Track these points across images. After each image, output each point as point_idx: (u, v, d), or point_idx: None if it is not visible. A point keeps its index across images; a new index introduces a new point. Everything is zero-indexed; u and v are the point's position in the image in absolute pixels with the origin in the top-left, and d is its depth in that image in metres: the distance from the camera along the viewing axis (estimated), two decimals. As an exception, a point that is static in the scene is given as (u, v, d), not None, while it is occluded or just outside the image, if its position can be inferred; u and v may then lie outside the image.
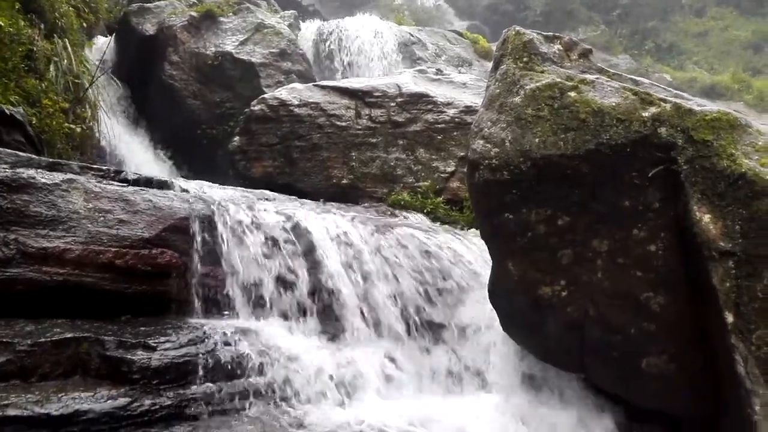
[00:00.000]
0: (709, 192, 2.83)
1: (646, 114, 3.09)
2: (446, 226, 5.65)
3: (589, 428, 3.61)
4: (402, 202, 6.02)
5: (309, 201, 5.36)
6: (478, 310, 4.25)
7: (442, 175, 6.25)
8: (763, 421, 2.53)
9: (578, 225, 3.29)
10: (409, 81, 6.80)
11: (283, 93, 6.57)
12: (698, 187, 2.87)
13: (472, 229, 5.41)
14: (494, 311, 3.94)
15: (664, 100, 3.11)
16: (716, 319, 2.78)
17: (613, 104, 3.17)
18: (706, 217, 2.80)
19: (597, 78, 3.35)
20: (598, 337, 3.32)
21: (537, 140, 3.26)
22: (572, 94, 3.26)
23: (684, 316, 3.07)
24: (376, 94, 6.51)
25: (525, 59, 3.49)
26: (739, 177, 2.76)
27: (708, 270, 2.77)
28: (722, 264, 2.73)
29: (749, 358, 2.62)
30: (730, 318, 2.69)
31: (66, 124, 5.87)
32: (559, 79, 3.34)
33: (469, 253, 4.78)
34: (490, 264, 3.89)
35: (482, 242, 4.19)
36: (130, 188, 3.98)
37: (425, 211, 5.97)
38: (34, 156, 3.94)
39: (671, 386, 3.18)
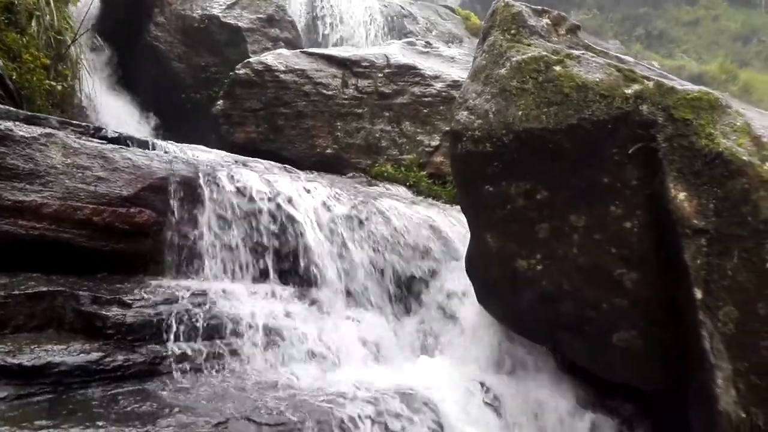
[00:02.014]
0: (686, 170, 2.87)
1: (628, 91, 3.11)
2: (428, 199, 5.68)
3: (557, 402, 3.69)
4: (385, 174, 6.04)
5: (292, 168, 5.33)
6: (454, 283, 4.30)
7: (426, 149, 6.25)
8: (724, 394, 2.60)
9: (557, 199, 3.32)
10: (398, 52, 6.76)
11: (269, 58, 6.50)
12: (675, 165, 2.90)
13: (454, 204, 5.44)
14: (469, 284, 3.99)
15: (648, 78, 3.12)
16: (686, 295, 2.83)
17: (597, 80, 3.18)
18: (682, 195, 2.83)
19: (583, 53, 3.35)
20: (572, 311, 3.37)
21: (520, 113, 3.26)
22: (557, 68, 3.27)
23: (655, 293, 3.12)
24: (364, 64, 6.46)
25: (513, 31, 3.48)
26: (716, 156, 2.79)
27: (680, 247, 2.82)
28: (695, 241, 2.78)
29: (715, 334, 2.68)
30: (699, 294, 2.74)
31: (47, 81, 5.76)
32: (545, 53, 3.33)
33: (448, 227, 4.81)
34: (468, 238, 3.92)
35: (462, 217, 4.22)
36: (110, 146, 3.92)
37: (408, 184, 5.99)
38: (11, 108, 3.87)
39: (641, 361, 3.25)
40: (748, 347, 2.58)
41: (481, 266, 3.78)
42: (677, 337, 3.03)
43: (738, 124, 2.85)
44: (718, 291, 2.70)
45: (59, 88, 6.01)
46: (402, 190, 5.79)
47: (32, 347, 2.87)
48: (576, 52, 3.37)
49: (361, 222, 4.41)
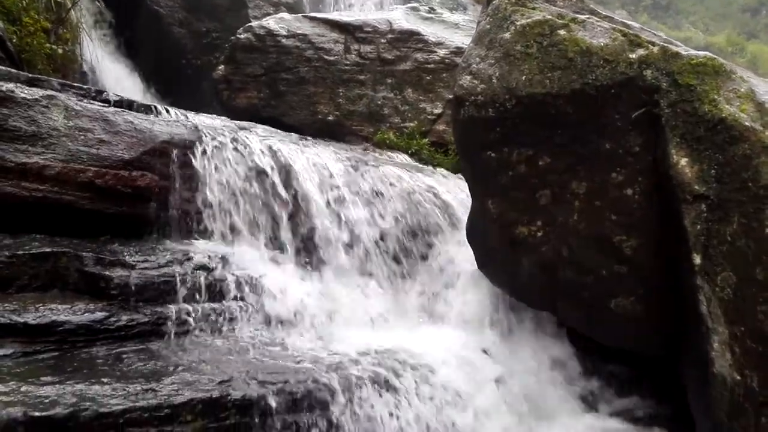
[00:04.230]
0: (688, 136, 2.85)
1: (633, 56, 3.08)
2: (430, 167, 5.66)
3: (554, 367, 3.74)
4: (387, 142, 6.01)
5: (293, 135, 5.33)
6: (454, 250, 4.33)
7: (429, 116, 6.22)
8: (719, 358, 2.63)
9: (558, 166, 3.32)
10: (401, 18, 6.66)
11: (270, 22, 6.42)
12: (678, 131, 2.89)
13: (455, 172, 5.43)
14: (469, 251, 4.01)
15: (653, 43, 3.09)
16: (684, 261, 2.85)
17: (602, 45, 3.15)
18: (683, 161, 2.83)
19: (588, 18, 3.31)
20: (571, 277, 3.39)
21: (524, 78, 3.24)
22: (562, 32, 3.23)
23: (655, 259, 3.14)
24: (367, 29, 6.38)
25: (517, -6, 3.44)
26: (718, 122, 2.78)
27: (681, 213, 2.82)
28: (695, 207, 2.78)
29: (713, 298, 2.70)
30: (697, 260, 2.76)
31: (47, 45, 5.72)
32: (550, 17, 3.30)
33: (449, 195, 4.82)
34: (470, 206, 3.93)
35: (464, 186, 4.23)
36: (111, 109, 3.92)
37: (410, 152, 5.97)
38: (13, 70, 3.86)
39: (638, 326, 3.28)
40: (745, 312, 2.60)
41: (481, 232, 3.79)
42: (675, 302, 3.06)
43: (742, 90, 2.84)
44: (717, 256, 2.71)
45: (60, 52, 5.96)
46: (404, 158, 5.78)
47: (37, 306, 2.91)
48: (581, 17, 3.33)
49: (365, 189, 4.43)
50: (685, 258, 2.83)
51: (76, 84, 4.23)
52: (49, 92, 3.74)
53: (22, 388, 2.40)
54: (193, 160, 3.93)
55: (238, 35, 6.50)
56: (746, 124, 2.70)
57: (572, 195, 3.32)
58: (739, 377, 2.57)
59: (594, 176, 3.25)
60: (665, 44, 3.12)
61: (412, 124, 6.14)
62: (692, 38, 17.16)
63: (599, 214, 3.26)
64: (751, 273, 2.62)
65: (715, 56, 3.00)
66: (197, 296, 3.39)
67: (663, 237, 3.08)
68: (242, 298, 3.50)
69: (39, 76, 4.04)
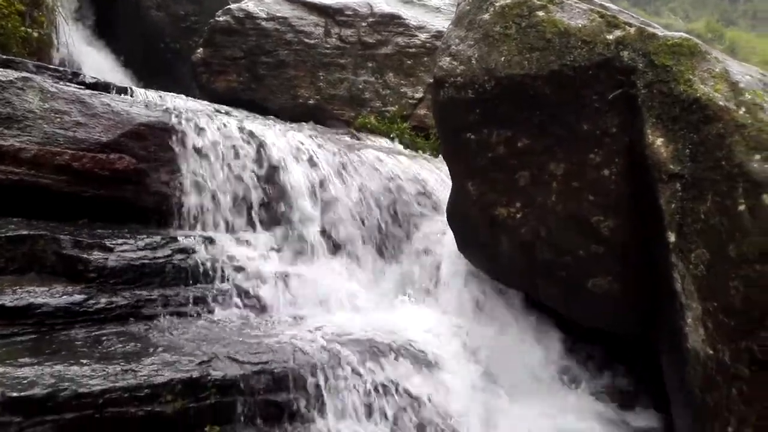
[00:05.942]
0: (664, 116, 2.89)
1: (610, 37, 3.10)
2: (411, 151, 5.68)
3: (532, 347, 3.78)
4: (368, 126, 6.01)
5: (273, 118, 5.31)
6: (435, 232, 4.35)
7: (410, 101, 6.22)
8: (693, 333, 2.68)
9: (537, 147, 3.34)
10: (382, 1, 6.63)
11: (249, 5, 6.38)
12: (654, 111, 2.92)
13: (436, 156, 5.45)
14: (449, 233, 4.04)
15: (630, 24, 3.12)
16: (659, 239, 2.89)
17: (580, 26, 3.17)
18: (659, 141, 2.86)
19: (566, -1, 3.33)
20: (549, 258, 3.43)
21: (502, 59, 3.26)
22: (540, 13, 3.25)
23: (631, 239, 3.18)
24: (347, 12, 6.36)
25: (496, -25, 3.44)
26: (693, 101, 2.81)
27: (656, 192, 2.86)
28: (670, 186, 2.82)
29: (686, 275, 2.75)
30: (672, 238, 2.80)
31: (22, 28, 5.63)
32: (528, -2, 3.31)
33: (430, 178, 4.84)
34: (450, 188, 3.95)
35: (445, 169, 4.24)
36: (88, 91, 3.87)
37: (391, 136, 5.98)
38: (-15, 51, 3.80)
39: (616, 305, 3.33)
40: (718, 288, 2.64)
41: (461, 214, 3.82)
42: (651, 281, 3.11)
43: (716, 70, 2.87)
44: (691, 234, 2.75)
45: (35, 35, 5.87)
46: (385, 142, 5.79)
47: (14, 288, 2.89)
48: (559, -2, 3.35)
49: (345, 172, 4.43)
50: (660, 236, 2.88)
51: (51, 66, 4.18)
52: (24, 74, 3.69)
53: (0, 370, 2.38)
54: (171, 143, 3.89)
55: (216, 18, 6.45)
56: (720, 103, 2.74)
57: (550, 176, 3.34)
58: (711, 351, 2.62)
59: (572, 157, 3.28)
60: (642, 25, 3.14)
61: (393, 108, 6.14)
62: (672, 25, 17.33)
63: (577, 195, 3.29)
64: (724, 250, 2.66)
65: (691, 37, 3.03)
66: (177, 279, 3.38)
67: (639, 217, 3.11)
68: (222, 281, 3.50)
69: (13, 57, 3.98)
